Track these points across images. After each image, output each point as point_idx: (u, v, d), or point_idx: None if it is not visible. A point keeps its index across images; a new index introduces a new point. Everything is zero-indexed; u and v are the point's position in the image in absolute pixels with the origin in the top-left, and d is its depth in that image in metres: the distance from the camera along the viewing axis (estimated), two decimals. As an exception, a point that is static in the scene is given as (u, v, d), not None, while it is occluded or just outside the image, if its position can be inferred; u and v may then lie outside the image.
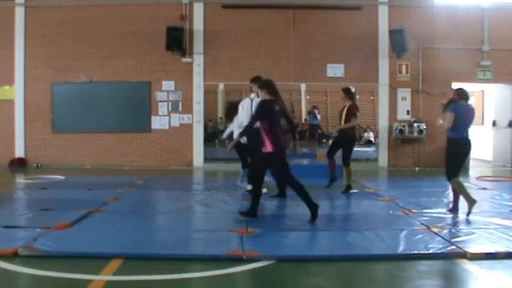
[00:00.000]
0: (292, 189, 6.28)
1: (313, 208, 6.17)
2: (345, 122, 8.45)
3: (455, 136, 6.67)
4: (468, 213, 6.57)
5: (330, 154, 8.83)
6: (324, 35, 13.12)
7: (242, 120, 7.98)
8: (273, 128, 6.16)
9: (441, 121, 6.82)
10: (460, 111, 6.64)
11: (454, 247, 5.02)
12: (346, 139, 8.58)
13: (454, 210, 6.85)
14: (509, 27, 13.10)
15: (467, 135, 6.75)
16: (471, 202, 6.60)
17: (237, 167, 9.47)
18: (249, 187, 8.07)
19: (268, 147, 6.18)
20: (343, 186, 8.67)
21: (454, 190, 6.92)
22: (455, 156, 6.73)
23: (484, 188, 9.22)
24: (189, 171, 12.46)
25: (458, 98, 6.72)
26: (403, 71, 13.18)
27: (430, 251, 4.94)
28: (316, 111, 18.94)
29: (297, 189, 6.22)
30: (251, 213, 6.35)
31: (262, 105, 6.29)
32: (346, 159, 8.52)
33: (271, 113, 6.21)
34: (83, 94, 13.20)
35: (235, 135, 7.83)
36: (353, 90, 8.71)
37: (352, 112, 8.42)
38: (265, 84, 6.49)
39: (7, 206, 7.24)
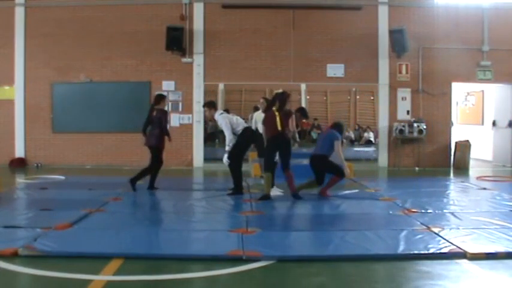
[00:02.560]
0: None
1: None
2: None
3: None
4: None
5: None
6: (324, 35, 13.12)
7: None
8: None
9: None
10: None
11: (454, 247, 5.01)
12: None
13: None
14: (509, 27, 13.10)
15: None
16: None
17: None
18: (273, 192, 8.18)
19: None
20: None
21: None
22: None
23: (484, 188, 9.22)
24: (189, 171, 12.46)
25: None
26: (403, 71, 13.17)
27: (430, 251, 4.93)
28: None
29: None
30: None
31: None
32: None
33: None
34: (83, 94, 13.19)
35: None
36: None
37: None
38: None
39: (7, 206, 7.24)
